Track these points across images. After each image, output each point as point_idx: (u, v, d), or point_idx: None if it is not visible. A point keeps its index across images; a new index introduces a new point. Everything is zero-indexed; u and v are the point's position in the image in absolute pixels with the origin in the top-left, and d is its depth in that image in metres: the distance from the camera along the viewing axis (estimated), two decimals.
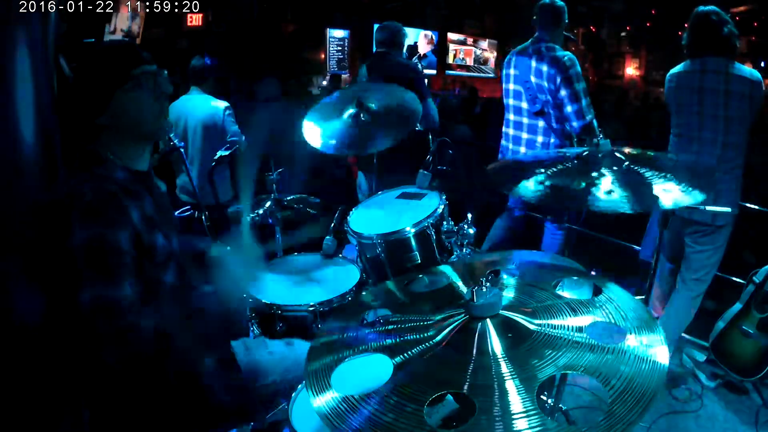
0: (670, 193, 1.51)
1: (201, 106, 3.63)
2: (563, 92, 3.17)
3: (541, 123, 3.29)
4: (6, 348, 1.25)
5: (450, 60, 11.99)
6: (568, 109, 3.18)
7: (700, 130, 2.63)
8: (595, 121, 3.21)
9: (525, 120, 3.36)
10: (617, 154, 1.70)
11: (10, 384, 1.26)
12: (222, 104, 3.67)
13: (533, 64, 3.26)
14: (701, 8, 2.65)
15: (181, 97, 3.64)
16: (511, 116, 3.45)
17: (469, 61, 12.41)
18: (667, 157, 1.88)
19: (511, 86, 3.41)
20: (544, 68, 3.21)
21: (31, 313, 1.33)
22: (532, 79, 3.26)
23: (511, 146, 3.46)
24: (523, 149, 3.37)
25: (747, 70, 2.59)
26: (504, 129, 3.53)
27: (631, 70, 14.26)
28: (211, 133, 3.61)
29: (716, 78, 2.57)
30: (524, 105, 3.34)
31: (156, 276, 1.36)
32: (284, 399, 1.57)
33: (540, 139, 3.31)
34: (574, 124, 3.21)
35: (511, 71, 3.41)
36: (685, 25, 2.70)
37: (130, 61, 1.35)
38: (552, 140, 3.28)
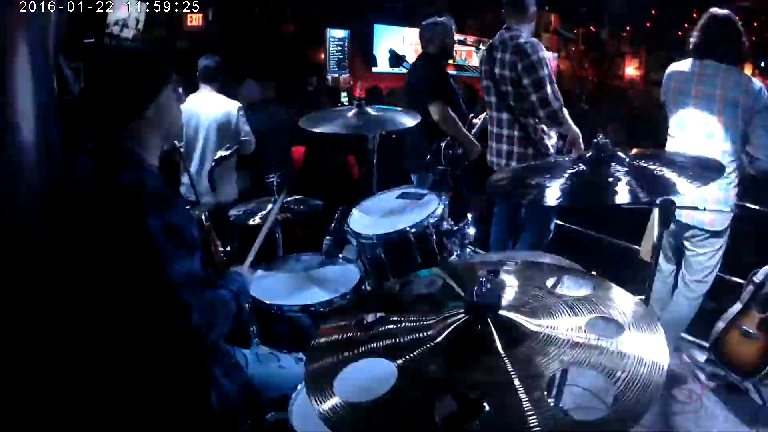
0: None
1: (215, 106, 3.66)
2: (525, 80, 3.08)
3: (505, 115, 3.26)
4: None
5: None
6: (533, 98, 3.08)
7: (693, 133, 2.62)
8: (564, 111, 3.12)
9: (494, 114, 3.36)
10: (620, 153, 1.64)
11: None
12: (235, 104, 3.71)
13: (498, 55, 3.20)
14: (717, 11, 2.61)
15: (190, 96, 3.66)
16: (488, 112, 3.48)
17: (470, 62, 12.39)
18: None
19: (484, 82, 3.38)
20: (507, 57, 3.14)
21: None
22: (497, 71, 3.21)
23: (488, 143, 3.50)
24: (494, 144, 3.39)
25: (747, 78, 2.56)
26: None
27: (631, 70, 14.24)
28: (224, 133, 3.65)
29: (713, 83, 2.55)
30: (494, 99, 3.32)
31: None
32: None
33: (506, 132, 3.29)
34: (540, 113, 3.10)
35: (483, 67, 3.37)
36: (692, 21, 2.66)
37: (170, 64, 1.50)
38: (517, 133, 3.24)
